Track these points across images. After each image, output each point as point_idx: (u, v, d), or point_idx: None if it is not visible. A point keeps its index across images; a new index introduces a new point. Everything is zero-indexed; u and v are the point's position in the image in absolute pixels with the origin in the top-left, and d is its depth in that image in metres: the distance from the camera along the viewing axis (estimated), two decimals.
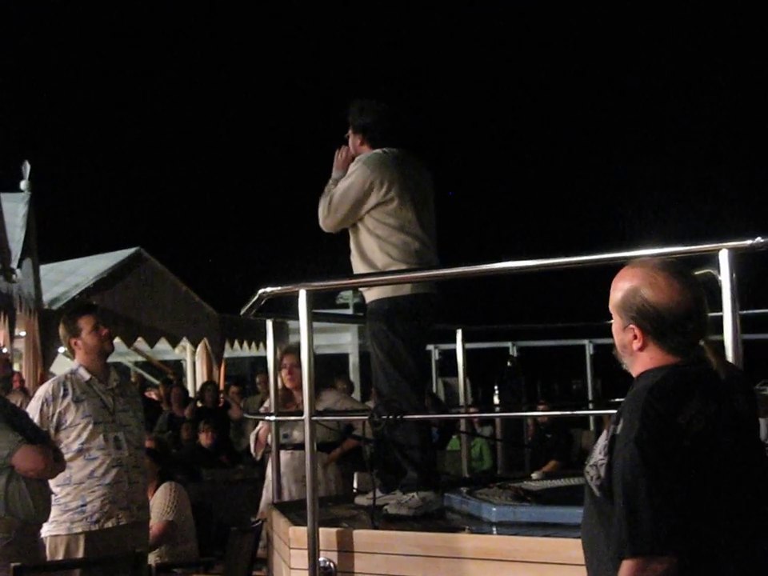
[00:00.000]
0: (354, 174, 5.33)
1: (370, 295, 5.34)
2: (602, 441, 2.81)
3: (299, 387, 5.92)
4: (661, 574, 2.59)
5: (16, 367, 14.61)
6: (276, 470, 6.13)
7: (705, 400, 2.70)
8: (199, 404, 13.81)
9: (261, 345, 20.77)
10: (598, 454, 2.81)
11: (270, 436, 7.24)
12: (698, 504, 2.63)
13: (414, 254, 5.26)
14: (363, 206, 5.29)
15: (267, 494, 7.18)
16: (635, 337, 2.86)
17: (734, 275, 3.65)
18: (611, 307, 2.92)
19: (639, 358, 2.88)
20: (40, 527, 5.45)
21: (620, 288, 2.90)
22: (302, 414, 4.84)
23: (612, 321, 2.99)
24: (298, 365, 5.90)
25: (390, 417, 4.77)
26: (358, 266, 5.36)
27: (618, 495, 2.66)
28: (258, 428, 7.41)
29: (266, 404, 7.58)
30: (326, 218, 5.38)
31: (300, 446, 6.38)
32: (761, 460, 2.84)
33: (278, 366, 7.27)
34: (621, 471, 2.66)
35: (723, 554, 2.68)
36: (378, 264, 5.24)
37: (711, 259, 3.77)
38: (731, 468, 2.71)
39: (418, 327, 5.32)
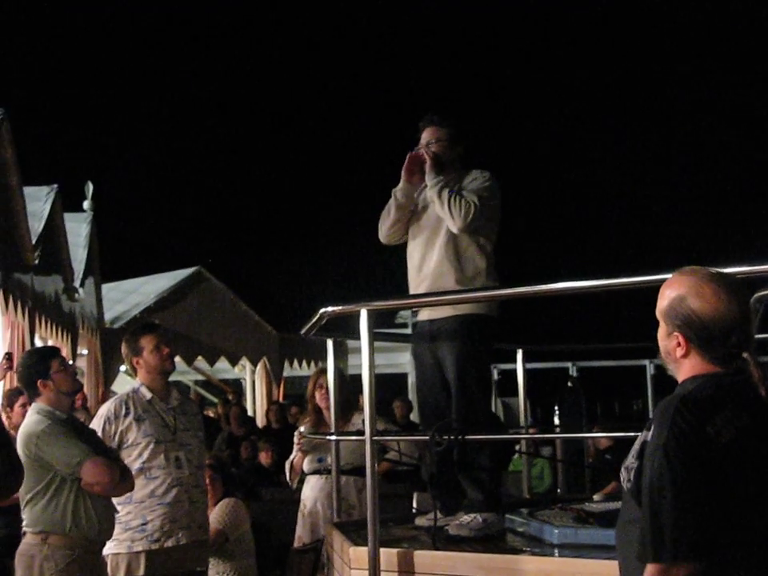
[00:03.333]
0: (489, 185, 5.38)
1: (460, 309, 5.26)
2: (636, 445, 2.84)
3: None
4: None
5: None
6: (336, 491, 6.10)
7: (737, 411, 2.71)
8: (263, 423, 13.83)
9: (320, 364, 20.82)
10: (631, 457, 2.85)
11: (305, 462, 7.21)
12: (722, 514, 2.63)
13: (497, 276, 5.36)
14: (487, 218, 5.33)
15: (305, 518, 7.12)
16: (679, 344, 2.87)
17: None
18: (657, 313, 2.95)
19: (682, 365, 2.90)
20: (103, 545, 5.46)
21: (667, 295, 2.92)
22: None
23: None
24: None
25: (452, 437, 4.74)
26: (447, 276, 5.31)
27: (644, 500, 2.68)
28: (292, 456, 7.33)
29: (301, 427, 7.46)
30: (473, 219, 5.24)
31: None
32: None
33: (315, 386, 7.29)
34: (648, 477, 2.68)
35: (746, 564, 2.68)
36: (479, 279, 5.29)
37: None
38: (760, 481, 2.71)
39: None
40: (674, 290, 2.90)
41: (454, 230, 5.29)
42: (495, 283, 5.30)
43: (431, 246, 5.39)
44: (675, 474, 2.62)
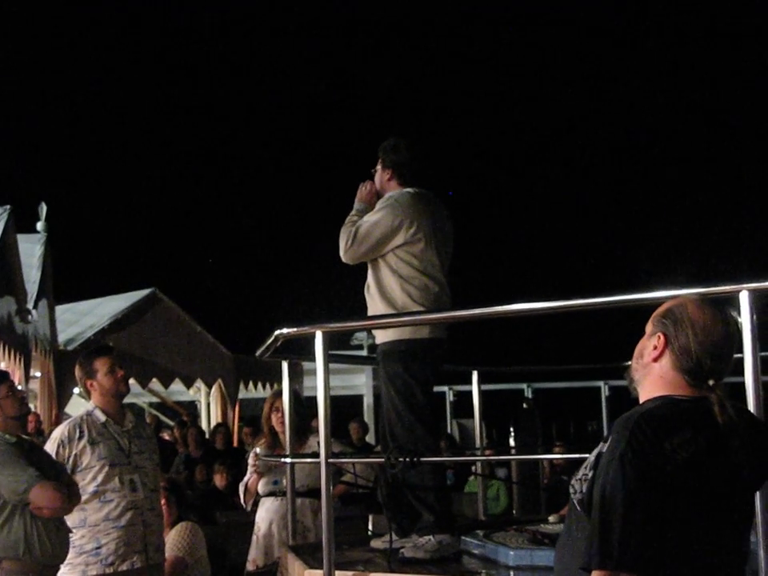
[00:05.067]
0: (384, 209, 5.33)
1: (385, 335, 5.31)
2: (591, 457, 2.86)
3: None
4: None
5: (31, 407, 14.55)
6: (291, 513, 6.08)
7: (694, 435, 2.74)
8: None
9: (275, 386, 20.74)
10: (584, 469, 2.88)
11: (260, 484, 7.15)
12: (671, 529, 2.66)
13: (433, 297, 5.26)
14: (389, 243, 5.29)
15: (259, 540, 7.05)
16: (655, 347, 2.92)
17: (754, 316, 3.63)
18: (651, 318, 3.00)
19: (649, 372, 2.94)
20: (57, 569, 5.41)
21: (670, 302, 3.00)
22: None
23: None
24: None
25: (407, 459, 4.74)
26: (376, 303, 5.34)
27: (595, 508, 2.70)
28: (246, 478, 7.26)
29: (257, 449, 7.38)
30: (349, 250, 5.34)
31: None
32: (744, 508, 2.88)
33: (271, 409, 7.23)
34: (601, 485, 2.70)
35: None
36: (398, 303, 5.24)
37: (731, 301, 3.75)
38: (708, 506, 2.74)
39: (432, 370, 5.32)
40: (678, 301, 2.98)
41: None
42: (417, 306, 5.24)
43: (368, 272, 5.45)
44: (629, 484, 2.64)
